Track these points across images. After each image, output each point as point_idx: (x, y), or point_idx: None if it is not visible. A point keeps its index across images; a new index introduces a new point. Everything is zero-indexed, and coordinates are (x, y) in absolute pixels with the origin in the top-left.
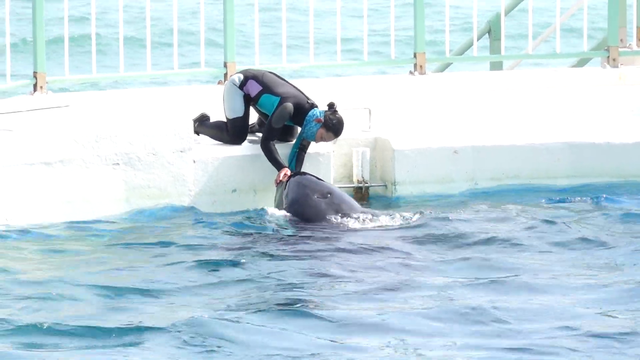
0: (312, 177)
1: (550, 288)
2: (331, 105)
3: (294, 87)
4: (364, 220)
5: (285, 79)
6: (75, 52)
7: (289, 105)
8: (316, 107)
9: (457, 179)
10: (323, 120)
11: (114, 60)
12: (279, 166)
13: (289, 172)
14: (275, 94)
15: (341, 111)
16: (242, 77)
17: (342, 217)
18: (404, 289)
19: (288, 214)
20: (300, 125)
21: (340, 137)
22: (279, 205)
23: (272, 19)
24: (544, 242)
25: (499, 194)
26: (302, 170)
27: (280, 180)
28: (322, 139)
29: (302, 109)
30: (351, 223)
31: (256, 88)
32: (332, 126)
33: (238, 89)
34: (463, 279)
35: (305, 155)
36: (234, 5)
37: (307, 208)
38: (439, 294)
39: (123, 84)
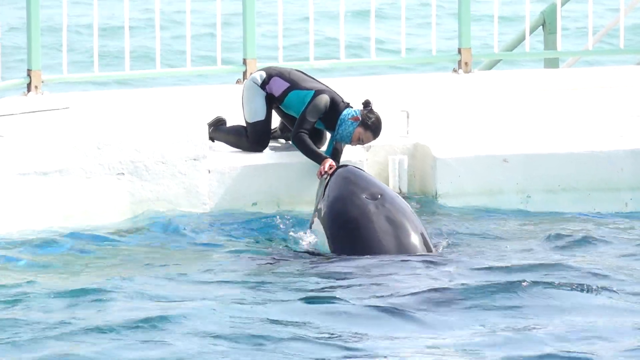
0: (362, 172)
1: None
2: (367, 103)
3: (326, 86)
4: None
5: (313, 77)
6: (75, 48)
7: (325, 97)
8: (352, 107)
9: (506, 191)
10: (360, 118)
11: (118, 57)
12: (318, 158)
13: (333, 163)
14: (306, 88)
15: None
16: (264, 74)
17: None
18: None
19: (325, 216)
20: (332, 128)
21: (375, 143)
22: (320, 202)
23: (297, 15)
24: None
25: (553, 208)
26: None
27: (325, 172)
28: (360, 140)
29: (337, 107)
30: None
31: (282, 85)
32: (371, 124)
33: (260, 89)
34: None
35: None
36: None
37: (352, 207)
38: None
39: (129, 84)
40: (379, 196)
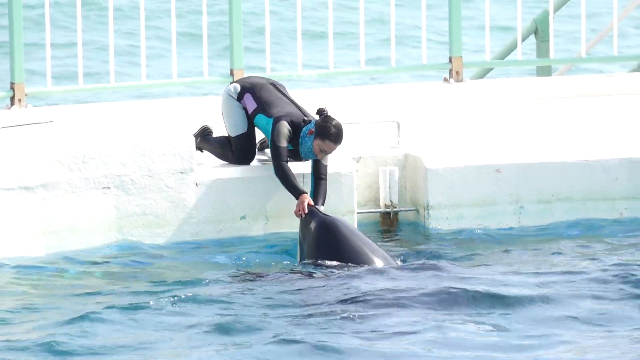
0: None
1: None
2: (321, 111)
3: (294, 103)
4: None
5: (286, 94)
6: (58, 60)
7: (284, 124)
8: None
9: (499, 202)
10: (315, 130)
11: (103, 69)
12: (295, 192)
13: (309, 200)
14: (269, 115)
15: (366, 124)
16: (238, 87)
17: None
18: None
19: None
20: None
21: (365, 154)
22: (304, 239)
23: (285, 18)
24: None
25: (547, 218)
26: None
27: (301, 213)
28: (323, 151)
29: (298, 128)
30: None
31: (252, 105)
32: (326, 132)
33: (236, 101)
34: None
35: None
36: (241, 3)
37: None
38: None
39: (114, 96)
40: None
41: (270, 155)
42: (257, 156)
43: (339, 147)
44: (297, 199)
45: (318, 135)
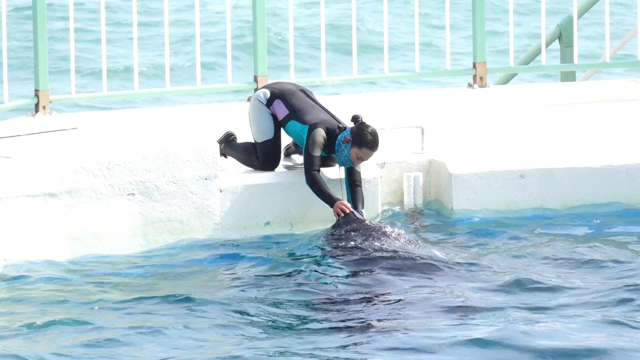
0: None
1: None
2: (355, 118)
3: (326, 110)
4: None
5: (317, 100)
6: (83, 68)
7: (320, 131)
8: (347, 129)
9: (523, 207)
10: (351, 139)
11: (127, 76)
12: (330, 201)
13: (344, 206)
14: (303, 122)
15: (389, 130)
16: (268, 93)
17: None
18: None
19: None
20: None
21: (389, 159)
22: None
23: (309, 27)
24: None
25: (572, 224)
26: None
27: (342, 210)
28: (360, 159)
29: (334, 135)
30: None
31: (283, 111)
32: (363, 140)
33: (265, 107)
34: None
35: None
36: (265, 9)
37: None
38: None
39: (138, 103)
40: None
41: (295, 161)
42: (283, 162)
43: (376, 154)
44: (332, 206)
45: (355, 143)
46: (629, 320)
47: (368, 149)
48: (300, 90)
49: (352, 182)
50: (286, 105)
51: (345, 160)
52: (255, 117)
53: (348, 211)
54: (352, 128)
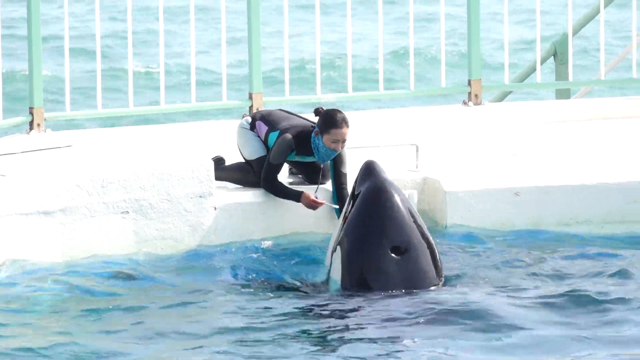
0: (392, 203)
1: None
2: (316, 111)
3: (304, 119)
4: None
5: (296, 114)
6: (77, 85)
7: (287, 136)
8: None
9: (518, 224)
10: (318, 128)
11: (122, 94)
12: (295, 196)
13: (311, 197)
14: (277, 129)
15: (385, 148)
16: (249, 119)
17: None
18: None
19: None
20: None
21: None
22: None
23: (300, 44)
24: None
25: (567, 241)
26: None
27: (313, 205)
28: (336, 142)
29: (308, 136)
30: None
31: (263, 129)
32: (327, 122)
33: (250, 131)
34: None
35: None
36: (260, 29)
37: (373, 260)
38: None
39: (133, 121)
40: (404, 251)
41: (300, 178)
42: (287, 179)
43: (349, 131)
44: (298, 201)
45: (322, 130)
46: (624, 338)
47: (336, 128)
48: (279, 109)
49: (339, 184)
50: (265, 122)
51: (325, 152)
52: (243, 140)
53: (318, 206)
54: (318, 121)
